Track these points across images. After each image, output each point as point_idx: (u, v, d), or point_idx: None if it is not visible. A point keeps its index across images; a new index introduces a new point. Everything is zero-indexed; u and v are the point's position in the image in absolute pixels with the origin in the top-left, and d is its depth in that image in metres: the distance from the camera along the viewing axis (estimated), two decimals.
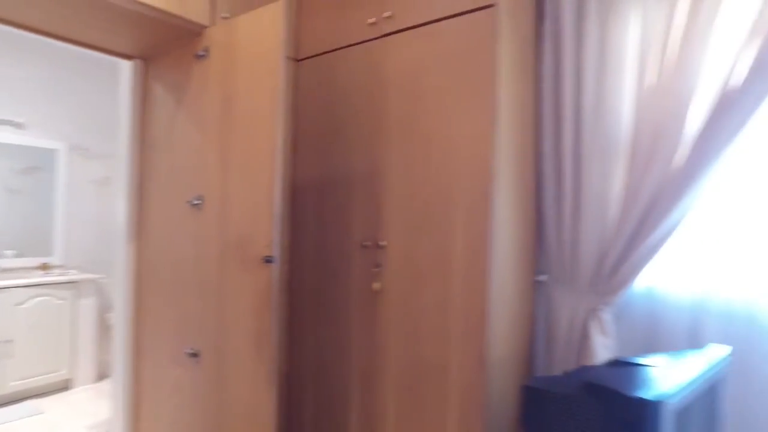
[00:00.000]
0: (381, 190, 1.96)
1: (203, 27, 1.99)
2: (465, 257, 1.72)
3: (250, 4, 2.13)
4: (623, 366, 1.41)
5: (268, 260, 1.64)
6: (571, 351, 1.93)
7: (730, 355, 1.53)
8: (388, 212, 1.94)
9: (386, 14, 1.98)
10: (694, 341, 1.73)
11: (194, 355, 1.97)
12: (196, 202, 1.97)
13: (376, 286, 1.96)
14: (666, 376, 1.23)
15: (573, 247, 1.93)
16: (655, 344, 1.83)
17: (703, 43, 1.70)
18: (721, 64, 1.68)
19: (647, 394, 1.10)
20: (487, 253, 1.67)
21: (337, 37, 2.14)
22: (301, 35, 2.29)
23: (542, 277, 2.03)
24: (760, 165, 1.70)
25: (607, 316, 1.87)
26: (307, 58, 2.26)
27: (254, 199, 1.72)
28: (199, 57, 2.00)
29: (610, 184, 1.86)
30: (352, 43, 2.08)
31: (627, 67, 1.86)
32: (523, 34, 1.90)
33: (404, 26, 1.92)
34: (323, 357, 2.13)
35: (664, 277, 1.84)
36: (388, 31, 1.98)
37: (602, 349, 1.85)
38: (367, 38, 2.03)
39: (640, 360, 1.43)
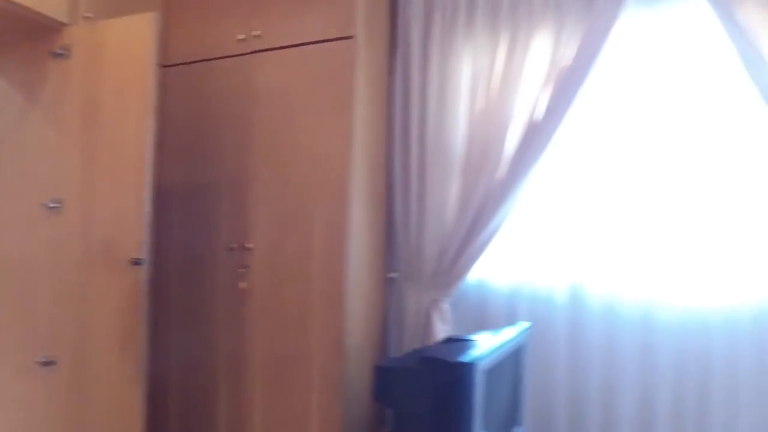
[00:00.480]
0: (248, 195, 2.10)
1: (62, 24, 1.95)
2: (324, 257, 1.94)
3: (113, 5, 2.11)
4: (453, 342, 1.73)
5: (136, 262, 1.69)
6: (417, 336, 2.24)
7: (530, 328, 1.94)
8: (254, 216, 2.08)
9: (255, 33, 2.12)
10: (510, 320, 2.13)
11: (49, 363, 1.91)
12: (52, 205, 1.92)
13: (242, 285, 2.08)
14: (482, 346, 1.56)
15: (418, 248, 2.25)
16: (483, 325, 2.20)
17: (516, 82, 2.13)
18: (528, 99, 2.12)
19: (463, 358, 1.40)
20: (344, 253, 1.90)
21: (207, 48, 2.23)
22: (170, 42, 2.33)
23: (393, 274, 2.32)
24: (559, 178, 2.17)
25: (446, 305, 2.21)
26: (176, 65, 2.30)
27: (122, 201, 1.75)
28: (58, 55, 1.96)
29: (448, 192, 2.21)
30: (222, 55, 2.19)
31: (462, 95, 2.23)
32: (378, 61, 2.19)
33: (272, 46, 2.09)
34: (191, 355, 2.19)
35: (490, 270, 2.24)
36: (256, 48, 2.12)
37: (442, 333, 2.18)
38: (237, 53, 2.15)
39: (468, 337, 1.77)
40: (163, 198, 2.29)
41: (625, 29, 2.07)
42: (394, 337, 2.35)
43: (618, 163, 2.10)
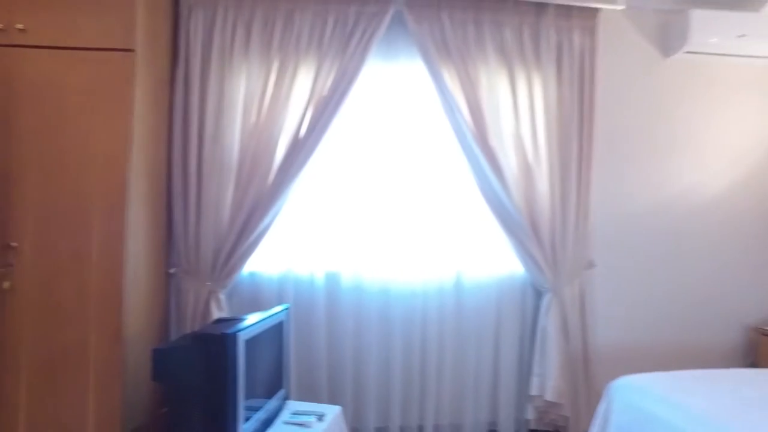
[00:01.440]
0: (11, 193, 2.07)
1: None
2: (102, 254, 2.05)
3: None
4: (223, 321, 2.05)
5: None
6: (196, 325, 2.48)
7: (289, 307, 2.37)
8: (20, 215, 2.06)
9: (18, 26, 2.09)
10: (279, 303, 2.54)
11: None
12: None
13: (6, 285, 2.05)
14: (245, 322, 1.91)
15: (196, 245, 2.49)
16: (257, 310, 2.56)
17: (284, 104, 2.55)
18: (294, 119, 2.55)
19: (227, 330, 1.74)
20: (122, 251, 2.05)
21: None
22: None
23: (173, 270, 2.52)
24: (318, 185, 2.66)
25: (222, 295, 2.51)
26: None
27: None
28: None
29: (224, 196, 2.51)
30: None
31: (238, 111, 2.55)
32: (159, 74, 2.37)
33: (40, 44, 2.08)
34: None
35: (261, 261, 2.62)
36: (20, 42, 2.08)
37: None
38: None
39: (236, 317, 2.10)
40: None
41: (370, 73, 2.68)
42: (175, 327, 2.55)
43: (361, 175, 2.70)
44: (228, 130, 2.53)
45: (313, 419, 2.05)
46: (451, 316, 2.73)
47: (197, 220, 2.49)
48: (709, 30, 2.83)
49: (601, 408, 2.02)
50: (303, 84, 2.58)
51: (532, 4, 2.71)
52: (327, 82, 2.58)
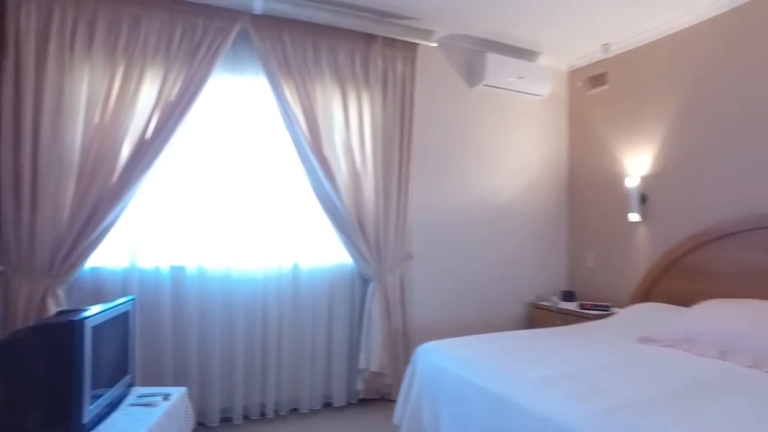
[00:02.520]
0: None
1: None
2: None
3: None
4: (66, 313, 2.11)
5: None
6: (30, 322, 2.45)
7: (134, 298, 2.47)
8: None
9: None
10: (123, 296, 2.62)
11: None
12: None
13: None
14: (91, 312, 2.02)
15: (30, 242, 2.47)
16: (100, 303, 2.61)
17: (130, 106, 2.64)
18: (140, 121, 2.66)
19: (74, 318, 1.86)
20: None
21: None
22: None
23: (1, 267, 2.46)
24: (165, 184, 2.79)
25: (60, 291, 2.51)
26: None
27: None
28: None
29: (64, 193, 2.52)
30: None
31: (80, 111, 2.57)
32: None
33: None
34: None
35: (105, 256, 2.67)
36: None
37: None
38: None
39: (78, 308, 2.17)
40: None
41: (218, 83, 2.90)
42: (1, 325, 2.48)
43: (208, 176, 2.90)
44: (69, 128, 2.54)
45: (159, 399, 2.21)
46: (289, 301, 3.04)
47: (32, 217, 2.47)
48: (499, 70, 3.59)
49: (409, 369, 2.52)
50: (150, 88, 2.70)
51: (362, 34, 3.18)
52: (174, 89, 2.73)
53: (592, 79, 3.98)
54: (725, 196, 3.04)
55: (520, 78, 3.67)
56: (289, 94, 2.97)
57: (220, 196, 2.93)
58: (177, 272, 2.82)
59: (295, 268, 3.07)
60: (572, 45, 3.72)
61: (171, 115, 2.70)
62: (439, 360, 2.32)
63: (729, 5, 3.00)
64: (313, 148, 2.99)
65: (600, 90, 3.92)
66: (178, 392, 2.33)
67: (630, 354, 2.28)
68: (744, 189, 2.94)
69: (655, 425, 1.47)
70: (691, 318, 2.53)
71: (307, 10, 2.96)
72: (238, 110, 2.99)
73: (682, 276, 3.21)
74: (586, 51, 3.85)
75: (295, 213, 3.09)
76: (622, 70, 3.74)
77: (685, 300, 3.12)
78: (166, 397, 2.25)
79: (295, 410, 3.08)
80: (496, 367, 2.08)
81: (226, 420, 2.90)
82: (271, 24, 2.95)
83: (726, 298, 2.77)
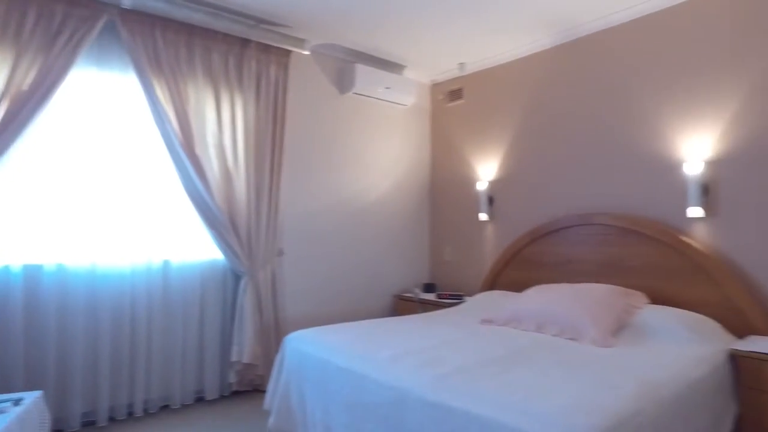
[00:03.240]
0: None
1: None
2: None
3: None
4: None
5: None
6: None
7: None
8: None
9: None
10: None
11: None
12: None
13: None
14: None
15: None
16: None
17: None
18: None
19: None
20: None
21: None
22: None
23: None
24: (19, 178, 2.64)
25: None
26: None
27: None
28: None
29: None
30: None
31: None
32: None
33: None
34: None
35: None
36: None
37: None
38: None
39: None
40: None
41: (82, 76, 2.80)
42: None
43: (69, 171, 2.80)
44: None
45: (8, 404, 2.12)
46: (159, 297, 3.03)
47: None
48: (368, 80, 3.89)
49: (278, 358, 2.68)
50: None
51: (237, 38, 3.27)
52: (27, 78, 2.60)
53: (451, 93, 4.46)
54: (554, 199, 3.63)
55: (387, 88, 4.00)
56: (160, 92, 2.97)
57: (85, 191, 2.84)
58: (31, 271, 2.68)
59: (166, 264, 3.07)
60: (434, 61, 4.14)
61: (24, 105, 2.57)
62: (304, 347, 2.52)
63: (551, 44, 3.61)
64: (185, 147, 3.02)
65: (457, 103, 4.41)
66: (31, 397, 2.24)
67: (470, 332, 2.68)
68: (567, 194, 3.55)
69: (472, 383, 1.83)
70: (519, 301, 3.02)
71: (182, 9, 2.97)
72: (105, 105, 2.91)
73: (521, 266, 3.77)
74: (445, 68, 4.31)
75: (166, 209, 3.08)
76: (475, 87, 4.25)
77: (522, 286, 3.67)
78: (17, 402, 2.16)
79: (166, 407, 3.08)
80: (354, 349, 2.34)
81: (89, 424, 2.82)
82: (143, 20, 2.92)
83: (548, 284, 3.34)
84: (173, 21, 3.02)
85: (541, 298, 2.94)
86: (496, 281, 3.93)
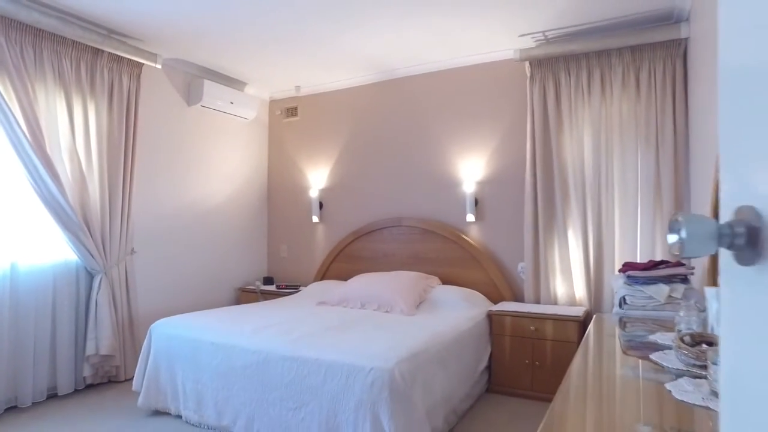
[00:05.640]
0: None
1: None
2: None
3: None
4: None
5: None
6: None
7: None
8: None
9: None
10: None
11: None
12: None
13: None
14: None
15: None
16: None
17: None
18: None
19: None
20: None
21: None
22: None
23: None
24: None
25: None
26: None
27: None
28: None
29: None
30: None
31: None
32: None
33: None
34: None
35: None
36: None
37: None
38: None
39: None
40: None
41: None
42: None
43: None
44: None
45: None
46: (6, 300, 3.05)
47: None
48: (214, 94, 4.31)
49: (146, 342, 3.01)
50: None
51: (89, 46, 3.42)
52: None
53: (288, 110, 5.09)
54: (372, 206, 4.53)
55: (231, 103, 4.46)
56: (4, 92, 2.98)
57: None
58: None
59: (13, 266, 3.10)
60: (272, 81, 4.72)
61: None
62: (173, 330, 2.93)
63: (372, 80, 4.52)
64: (36, 149, 3.07)
65: (293, 119, 5.06)
66: None
67: (310, 312, 3.38)
68: (382, 201, 4.48)
69: (318, 342, 2.54)
70: (346, 286, 3.83)
71: (31, 12, 3.04)
72: None
73: (346, 260, 4.59)
74: (282, 87, 4.92)
75: (11, 211, 3.11)
76: (309, 107, 4.96)
77: (348, 275, 4.48)
78: None
79: (13, 407, 3.09)
80: (220, 327, 2.86)
81: None
82: None
83: (368, 273, 4.22)
84: (18, 22, 3.04)
85: (363, 283, 3.79)
86: (326, 273, 4.69)
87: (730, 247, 0.43)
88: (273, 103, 5.22)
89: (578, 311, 3.32)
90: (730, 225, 0.42)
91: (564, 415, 1.22)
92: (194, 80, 4.30)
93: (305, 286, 4.76)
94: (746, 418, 0.46)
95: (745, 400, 0.47)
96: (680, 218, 0.44)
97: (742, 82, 0.46)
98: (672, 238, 0.46)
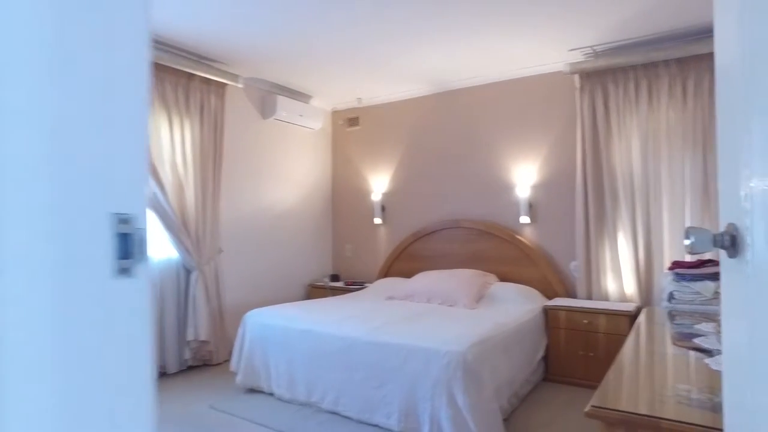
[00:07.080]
0: None
1: None
2: None
3: None
4: None
5: None
6: None
7: None
8: None
9: None
10: None
11: None
12: None
13: None
14: None
15: None
16: None
17: None
18: None
19: None
20: None
21: None
22: None
23: None
24: None
25: None
26: None
27: None
28: None
29: None
30: None
31: None
32: None
33: None
34: None
35: None
36: None
37: None
38: None
39: None
40: None
41: None
42: None
43: None
44: None
45: None
46: None
47: None
48: (286, 108, 4.77)
49: (240, 329, 3.48)
50: None
51: (184, 72, 3.94)
52: None
53: (350, 120, 5.51)
54: (431, 209, 4.88)
55: (300, 115, 4.92)
56: None
57: None
58: None
59: None
60: (335, 93, 5.15)
61: None
62: (265, 319, 3.38)
63: (429, 92, 4.86)
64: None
65: (355, 129, 5.47)
66: None
67: (381, 305, 3.76)
68: (441, 205, 4.82)
69: (395, 329, 2.91)
70: (411, 283, 4.19)
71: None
72: None
73: (407, 259, 4.95)
74: (345, 99, 5.34)
75: None
76: (370, 117, 5.35)
77: (410, 274, 4.84)
78: None
79: None
80: (309, 317, 3.28)
81: None
82: None
83: (428, 271, 4.56)
84: None
85: (427, 280, 4.14)
86: (389, 270, 5.07)
87: (722, 247, 0.75)
88: (335, 113, 5.65)
89: (629, 306, 3.55)
90: (721, 234, 0.74)
91: (619, 379, 1.53)
92: (268, 96, 4.78)
93: (370, 283, 5.15)
94: (740, 378, 0.78)
95: (736, 360, 0.78)
96: (690, 229, 0.77)
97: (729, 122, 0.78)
98: (686, 242, 0.78)
